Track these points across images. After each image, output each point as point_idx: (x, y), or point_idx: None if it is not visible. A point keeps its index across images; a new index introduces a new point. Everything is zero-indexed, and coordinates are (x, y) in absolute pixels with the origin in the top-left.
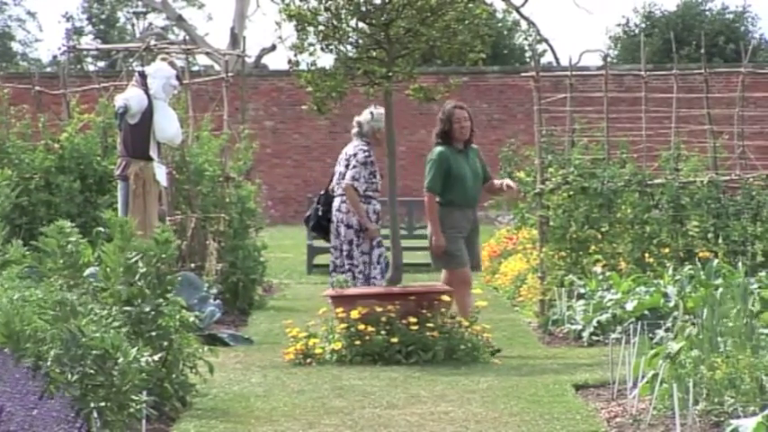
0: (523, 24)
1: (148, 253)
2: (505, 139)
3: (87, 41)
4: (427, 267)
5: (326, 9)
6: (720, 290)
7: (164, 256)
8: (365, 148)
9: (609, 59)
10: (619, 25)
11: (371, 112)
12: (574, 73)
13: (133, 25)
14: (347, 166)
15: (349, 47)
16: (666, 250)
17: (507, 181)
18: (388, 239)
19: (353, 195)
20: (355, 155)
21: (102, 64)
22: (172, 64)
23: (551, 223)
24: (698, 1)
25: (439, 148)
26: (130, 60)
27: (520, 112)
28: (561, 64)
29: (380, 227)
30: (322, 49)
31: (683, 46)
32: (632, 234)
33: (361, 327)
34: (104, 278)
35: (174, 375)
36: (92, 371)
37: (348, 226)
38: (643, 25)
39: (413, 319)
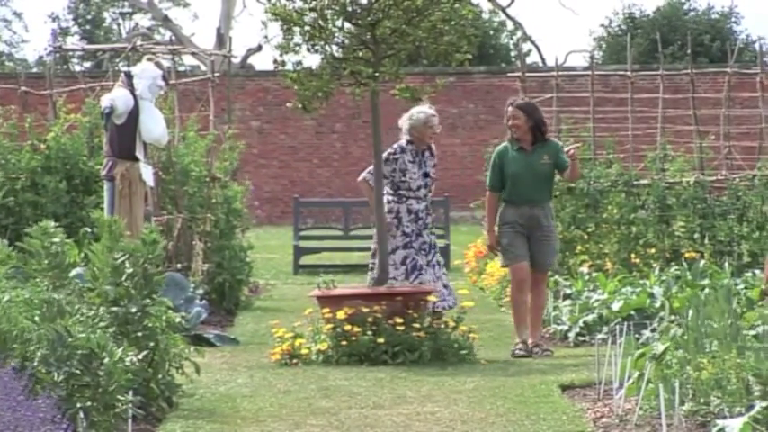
0: (509, 25)
1: (136, 253)
2: (492, 140)
3: (73, 42)
4: None
5: (312, 9)
6: (706, 290)
7: (151, 256)
8: (395, 145)
9: (595, 60)
10: (602, 26)
11: (414, 111)
12: (560, 73)
13: (119, 25)
14: None
15: (335, 47)
16: (653, 250)
17: (570, 149)
18: (372, 241)
19: (364, 189)
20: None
21: (88, 64)
22: (158, 64)
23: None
24: (681, 1)
25: (498, 147)
26: (116, 61)
27: None
28: (547, 64)
29: (422, 228)
30: (308, 49)
31: (668, 45)
32: (618, 234)
33: (348, 327)
34: (92, 278)
35: (160, 376)
36: (78, 371)
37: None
38: (625, 26)
39: (399, 320)
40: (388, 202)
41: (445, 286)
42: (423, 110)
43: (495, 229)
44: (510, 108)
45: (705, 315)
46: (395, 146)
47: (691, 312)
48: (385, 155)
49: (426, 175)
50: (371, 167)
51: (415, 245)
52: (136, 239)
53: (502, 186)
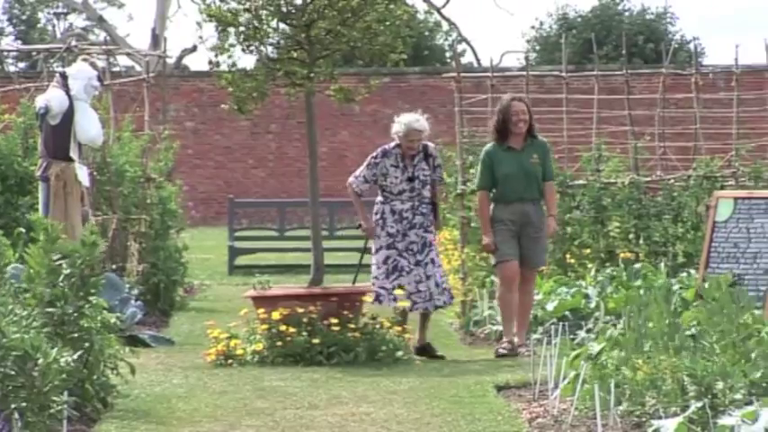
0: (444, 25)
1: (73, 255)
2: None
3: (8, 42)
4: (348, 268)
5: (247, 10)
6: (641, 291)
7: (88, 258)
8: (379, 149)
9: (529, 61)
10: (533, 27)
11: (401, 118)
12: (495, 74)
13: (54, 26)
14: None
15: (270, 48)
16: (588, 251)
17: (550, 224)
18: (309, 241)
19: (350, 192)
20: None
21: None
22: (93, 65)
23: (473, 224)
24: (615, 1)
25: (486, 147)
26: (51, 61)
27: (441, 113)
28: (482, 65)
29: (408, 228)
30: (243, 50)
31: (602, 46)
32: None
33: (283, 328)
34: (28, 280)
35: (95, 376)
36: (12, 372)
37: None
38: (559, 27)
39: (334, 320)
40: (376, 203)
41: (437, 285)
42: (407, 120)
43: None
44: (515, 102)
45: (642, 315)
46: (378, 150)
47: (630, 312)
48: (369, 159)
49: (412, 179)
50: (358, 171)
51: (400, 245)
52: (72, 240)
53: (492, 186)
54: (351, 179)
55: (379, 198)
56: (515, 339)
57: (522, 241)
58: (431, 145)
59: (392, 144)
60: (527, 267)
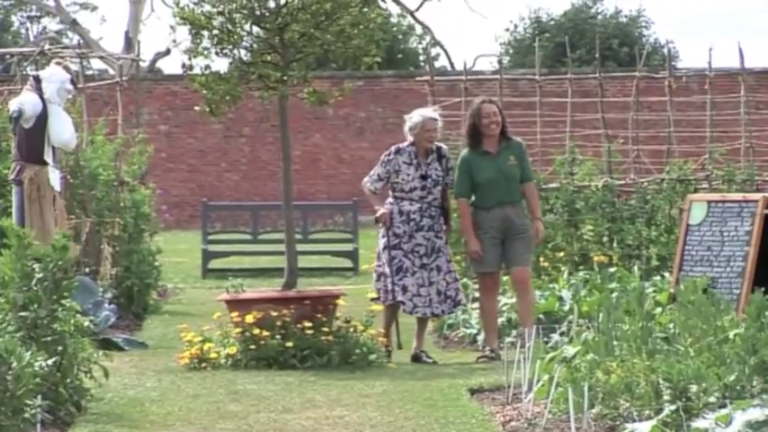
0: (418, 29)
1: (45, 259)
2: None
3: None
4: (322, 272)
5: (221, 13)
6: (616, 293)
7: (61, 261)
8: (393, 147)
9: (503, 64)
10: (507, 30)
11: (414, 113)
12: (468, 77)
13: (27, 29)
14: None
15: (243, 51)
16: (561, 254)
17: (538, 228)
18: (283, 244)
19: (365, 192)
20: None
21: None
22: (66, 68)
23: None
24: (588, 4)
25: (462, 154)
26: (25, 64)
27: None
28: (456, 68)
29: (415, 230)
30: (216, 53)
31: (575, 50)
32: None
33: (256, 331)
34: (1, 285)
35: (68, 380)
36: None
37: None
38: (532, 30)
39: (308, 324)
40: (386, 205)
41: (438, 293)
42: (422, 112)
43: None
44: (486, 104)
45: (616, 318)
46: (392, 147)
47: (602, 315)
48: (382, 157)
49: (425, 177)
50: (372, 171)
51: (405, 246)
52: (47, 243)
53: (471, 193)
54: (364, 179)
55: (389, 199)
56: (496, 347)
57: (506, 245)
58: (444, 146)
59: (406, 143)
60: (515, 268)
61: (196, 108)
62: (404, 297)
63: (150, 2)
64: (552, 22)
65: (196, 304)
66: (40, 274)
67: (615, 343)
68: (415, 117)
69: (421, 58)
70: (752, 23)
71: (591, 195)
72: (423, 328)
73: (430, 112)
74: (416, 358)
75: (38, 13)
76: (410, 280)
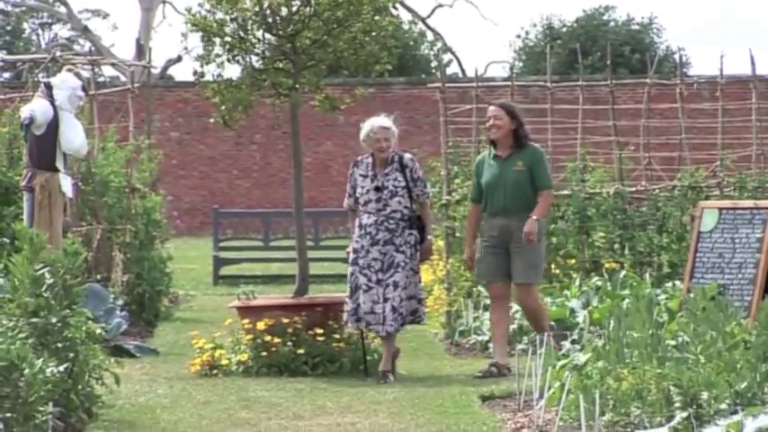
0: (429, 35)
1: (56, 264)
2: (410, 150)
3: None
4: (333, 279)
5: (233, 20)
6: (627, 301)
7: (71, 267)
8: (353, 160)
9: (514, 71)
10: (519, 37)
11: (365, 123)
12: (480, 84)
13: (39, 36)
14: None
15: (255, 58)
16: (573, 261)
17: (527, 224)
18: (294, 251)
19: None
20: None
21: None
22: (77, 75)
23: (458, 234)
24: (600, 11)
25: (479, 155)
26: (36, 71)
27: (426, 123)
28: (467, 75)
29: (371, 244)
30: (228, 60)
31: (587, 56)
32: None
33: (268, 338)
34: (12, 290)
35: (80, 387)
36: None
37: None
38: (544, 37)
39: (319, 331)
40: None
41: (393, 310)
42: (372, 121)
43: (478, 242)
44: (491, 107)
45: (626, 326)
46: (352, 160)
47: (612, 322)
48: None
49: (380, 188)
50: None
51: (361, 262)
52: (56, 250)
53: (480, 197)
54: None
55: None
56: (500, 361)
57: (510, 258)
58: (406, 155)
59: (365, 155)
60: (515, 284)
61: (210, 120)
62: (353, 321)
63: (162, 9)
64: (564, 29)
65: (207, 311)
66: (51, 280)
67: (626, 350)
68: (365, 126)
69: (432, 64)
70: (763, 31)
71: (602, 202)
72: (387, 347)
73: (381, 119)
74: (384, 376)
75: (49, 20)
76: (363, 297)
